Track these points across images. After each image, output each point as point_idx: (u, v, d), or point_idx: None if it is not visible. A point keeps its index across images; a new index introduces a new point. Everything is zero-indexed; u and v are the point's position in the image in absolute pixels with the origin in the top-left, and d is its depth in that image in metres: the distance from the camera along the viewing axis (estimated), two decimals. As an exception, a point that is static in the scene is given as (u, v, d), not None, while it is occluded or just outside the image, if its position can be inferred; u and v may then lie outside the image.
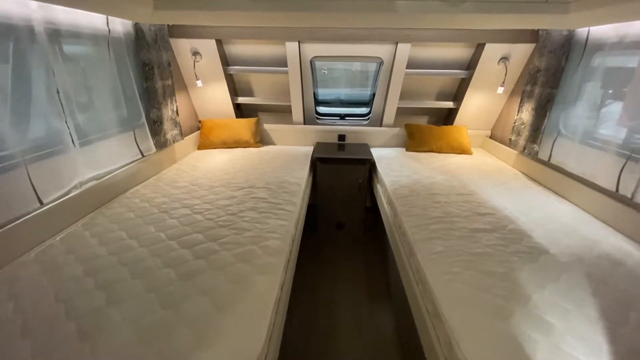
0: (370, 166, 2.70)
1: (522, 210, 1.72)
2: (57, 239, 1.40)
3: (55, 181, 1.46)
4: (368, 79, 3.11)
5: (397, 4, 1.60)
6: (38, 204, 1.37)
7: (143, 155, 2.07)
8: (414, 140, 2.89)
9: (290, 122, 3.11)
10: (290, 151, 2.88)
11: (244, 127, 2.92)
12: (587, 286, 1.14)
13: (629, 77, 1.62)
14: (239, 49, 2.74)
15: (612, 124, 1.69)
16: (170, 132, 2.35)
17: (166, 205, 1.72)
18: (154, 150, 2.17)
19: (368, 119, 3.16)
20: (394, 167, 2.45)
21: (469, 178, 2.19)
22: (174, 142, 2.40)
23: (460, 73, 2.73)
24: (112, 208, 1.69)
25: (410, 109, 3.11)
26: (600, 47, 1.76)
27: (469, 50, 2.65)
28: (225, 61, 2.77)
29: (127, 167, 1.94)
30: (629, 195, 1.53)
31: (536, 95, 2.18)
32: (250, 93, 3.07)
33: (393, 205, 1.89)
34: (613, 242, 1.45)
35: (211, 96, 2.88)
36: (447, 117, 3.17)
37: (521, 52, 2.45)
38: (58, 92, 1.42)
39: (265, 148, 2.96)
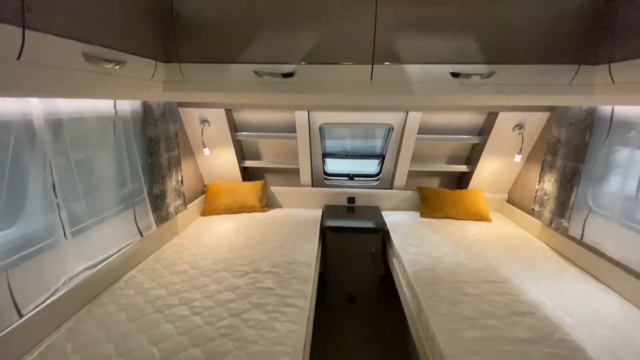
0: (383, 235, 2.53)
1: (564, 306, 1.51)
2: (35, 354, 1.20)
3: (39, 284, 1.30)
4: (374, 132, 3.04)
5: (414, 87, 1.54)
6: (17, 317, 1.20)
7: (142, 235, 1.93)
8: (428, 206, 2.74)
9: (298, 184, 3.02)
10: (298, 216, 2.74)
11: (250, 191, 2.81)
12: None
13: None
14: (247, 115, 2.73)
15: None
16: (173, 204, 2.23)
17: (162, 301, 1.54)
18: (154, 227, 2.03)
19: (378, 180, 3.06)
20: (411, 239, 2.28)
21: (494, 256, 2.01)
22: (176, 213, 2.28)
23: (473, 138, 2.67)
24: (103, 305, 1.51)
25: (423, 172, 3.01)
26: (630, 126, 1.67)
27: (480, 116, 2.62)
28: (234, 127, 2.75)
29: (123, 249, 1.79)
30: (690, 296, 1.33)
31: (558, 167, 2.07)
32: (257, 156, 3.01)
33: (416, 295, 1.69)
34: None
35: (218, 161, 2.82)
36: (460, 179, 3.06)
37: (536, 120, 2.39)
38: (54, 186, 1.32)
39: (271, 213, 2.82)
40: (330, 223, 2.53)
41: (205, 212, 2.72)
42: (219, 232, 2.38)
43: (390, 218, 2.71)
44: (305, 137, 2.60)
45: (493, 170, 2.77)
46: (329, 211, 2.83)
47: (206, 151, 2.63)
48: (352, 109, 2.48)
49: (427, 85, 1.54)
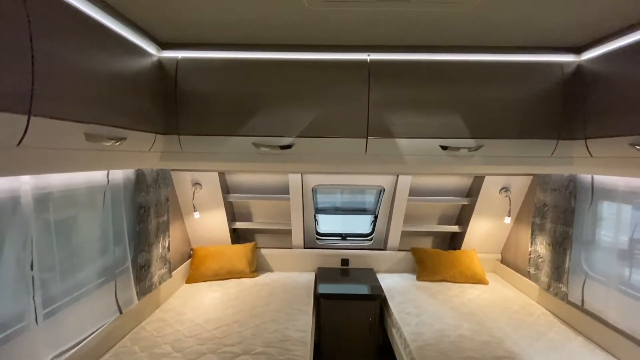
0: (381, 301, 2.42)
1: (580, 387, 1.42)
2: None
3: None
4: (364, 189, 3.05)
5: (406, 158, 1.61)
6: None
7: (121, 312, 1.76)
8: (424, 268, 2.68)
9: (290, 245, 2.94)
10: (290, 282, 2.61)
11: (239, 254, 2.70)
12: None
13: (651, 226, 1.57)
14: (240, 178, 2.74)
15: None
16: (157, 273, 2.09)
17: (139, 395, 1.35)
18: (136, 302, 1.87)
19: (371, 239, 3.02)
20: (410, 307, 2.18)
21: (498, 326, 1.92)
22: (160, 283, 2.13)
23: (462, 200, 2.74)
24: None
25: (416, 232, 3.01)
26: (610, 193, 1.76)
27: (467, 179, 2.72)
28: (226, 189, 2.73)
29: (99, 330, 1.61)
30: None
31: (549, 230, 2.11)
32: (248, 217, 2.96)
33: (422, 377, 1.55)
34: None
35: (207, 223, 2.74)
36: (452, 238, 3.07)
37: (520, 184, 2.51)
38: (32, 266, 1.22)
39: (261, 278, 2.68)
40: (325, 289, 2.41)
41: (191, 279, 2.56)
42: (205, 303, 2.21)
43: (387, 281, 2.62)
44: (298, 198, 2.60)
45: (484, 230, 2.80)
46: (323, 275, 2.72)
47: (196, 214, 2.56)
48: (345, 172, 2.54)
49: (418, 157, 1.61)
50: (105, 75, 1.11)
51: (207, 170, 2.47)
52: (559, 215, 2.02)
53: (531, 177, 2.45)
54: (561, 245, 2.00)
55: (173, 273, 2.36)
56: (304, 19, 1.24)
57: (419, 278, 2.66)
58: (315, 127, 1.56)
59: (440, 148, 1.58)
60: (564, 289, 1.98)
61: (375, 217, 2.95)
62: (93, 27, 1.05)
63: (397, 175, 2.53)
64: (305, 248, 2.94)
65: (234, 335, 1.80)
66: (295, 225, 2.77)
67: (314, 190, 2.78)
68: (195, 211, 2.55)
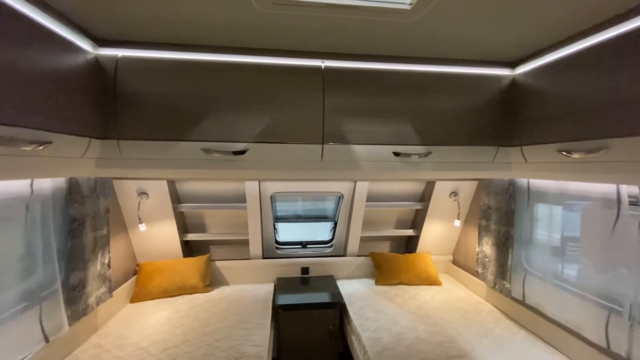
0: (340, 308, 2.40)
1: (524, 378, 1.51)
2: None
3: None
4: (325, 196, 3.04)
5: (361, 164, 1.63)
6: None
7: (47, 340, 1.54)
8: (382, 272, 2.73)
9: (248, 256, 2.82)
10: (247, 295, 2.49)
11: (191, 268, 2.52)
12: None
13: (574, 226, 1.74)
14: (192, 186, 2.59)
15: (583, 271, 1.71)
16: (95, 293, 1.88)
17: None
18: (66, 327, 1.65)
19: (331, 246, 3.01)
20: (369, 312, 2.18)
21: (451, 326, 2.00)
22: (98, 304, 1.91)
23: (416, 204, 2.84)
24: None
25: (374, 237, 3.06)
26: (543, 196, 1.93)
27: (420, 185, 2.84)
28: (177, 199, 2.56)
29: (17, 365, 1.39)
30: (624, 355, 1.43)
31: (493, 231, 2.26)
32: (202, 228, 2.79)
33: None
34: None
35: (155, 236, 2.53)
36: (408, 242, 3.17)
37: (467, 188, 2.68)
38: None
39: (216, 293, 2.53)
40: (284, 300, 2.34)
41: (136, 297, 2.33)
42: (152, 324, 2.02)
43: (346, 288, 2.62)
44: (255, 207, 2.52)
45: (437, 233, 2.93)
46: (282, 285, 2.65)
47: (142, 227, 2.36)
48: (302, 179, 2.52)
49: (373, 163, 1.64)
50: (28, 73, 0.98)
51: (154, 179, 2.29)
52: (502, 217, 2.18)
53: (477, 182, 2.63)
54: (504, 245, 2.15)
55: (115, 292, 2.14)
56: (255, 21, 1.21)
57: (377, 283, 2.70)
58: (270, 133, 1.52)
59: (393, 154, 1.62)
60: (507, 285, 2.12)
61: (335, 224, 2.95)
62: (14, 18, 0.93)
63: (355, 182, 2.57)
64: (264, 258, 2.85)
65: (182, 357, 1.66)
66: (253, 235, 2.67)
67: (273, 198, 2.72)
68: (140, 223, 2.35)
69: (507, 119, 1.65)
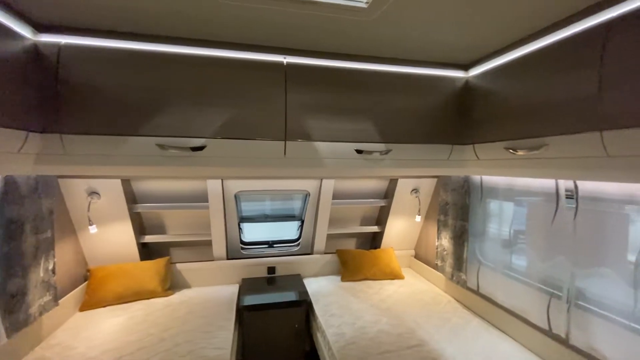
0: (307, 306, 2.40)
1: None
2: None
3: None
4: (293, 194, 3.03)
5: (325, 161, 1.64)
6: None
7: (-22, 356, 1.39)
8: (347, 269, 2.77)
9: (211, 258, 2.73)
10: (210, 297, 2.41)
11: (149, 272, 2.40)
12: None
13: (520, 218, 1.89)
14: (150, 185, 2.45)
15: (528, 260, 1.85)
16: (37, 301, 1.72)
17: None
18: (4, 339, 1.50)
19: (298, 245, 3.00)
20: (334, 309, 2.21)
21: (412, 318, 2.07)
22: (41, 313, 1.75)
23: (380, 201, 2.92)
24: None
25: (340, 234, 3.10)
26: (494, 191, 2.07)
27: (384, 182, 2.92)
28: (132, 199, 2.41)
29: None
30: (563, 336, 1.57)
31: (450, 225, 2.38)
32: (161, 230, 2.66)
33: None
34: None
35: (109, 239, 2.37)
36: (374, 238, 3.24)
37: (427, 185, 2.80)
38: None
39: (176, 296, 2.42)
40: (248, 301, 2.29)
41: (86, 305, 2.17)
42: (103, 332, 1.89)
43: (313, 286, 2.62)
44: (218, 206, 2.44)
45: (400, 229, 3.03)
46: (247, 286, 2.60)
47: (93, 229, 2.19)
48: (268, 177, 2.48)
49: (336, 160, 1.65)
50: None
51: (105, 177, 2.15)
52: (458, 212, 2.30)
53: (436, 179, 2.75)
54: (460, 238, 2.27)
55: (62, 300, 1.98)
56: (215, 13, 1.18)
57: (343, 279, 2.74)
58: (231, 128, 1.49)
59: (355, 152, 1.65)
60: (463, 277, 2.24)
61: (302, 222, 2.95)
62: None
63: (321, 180, 2.58)
64: (228, 259, 2.77)
65: (137, 365, 1.57)
66: (216, 236, 2.59)
67: (237, 198, 2.65)
68: (91, 225, 2.19)
69: (460, 118, 1.74)
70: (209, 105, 1.45)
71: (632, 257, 1.32)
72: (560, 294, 1.59)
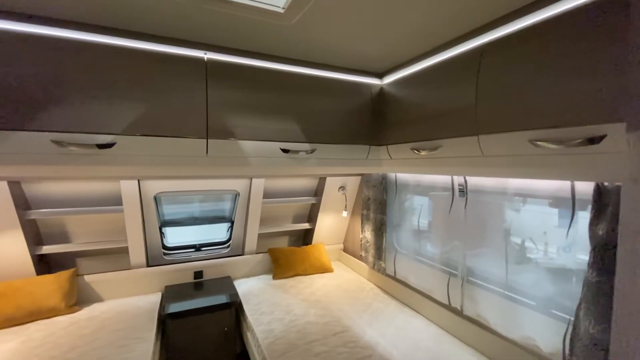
0: (236, 308, 2.36)
1: (392, 341, 1.79)
2: None
3: None
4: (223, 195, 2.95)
5: (250, 160, 1.64)
6: None
7: None
8: (279, 267, 2.80)
9: (128, 266, 2.49)
10: (127, 309, 2.20)
11: (48, 287, 2.08)
12: None
13: (426, 210, 2.17)
14: (48, 188, 2.13)
15: (432, 246, 2.13)
16: None
17: None
18: None
19: (229, 246, 2.92)
20: (264, 307, 2.22)
21: (338, 307, 2.21)
22: None
23: (311, 199, 3.02)
24: None
25: (272, 232, 3.11)
26: (406, 187, 2.32)
27: (314, 180, 3.03)
28: (25, 204, 2.07)
29: None
30: (459, 308, 1.86)
31: (372, 219, 2.60)
32: (64, 238, 2.33)
33: (270, 373, 1.60)
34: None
35: (-8, 252, 2.00)
36: (306, 235, 3.34)
37: (353, 183, 2.99)
38: None
39: (85, 312, 2.15)
40: (172, 309, 2.16)
41: (-40, 334, 1.79)
42: (-14, 362, 1.59)
43: (243, 287, 2.59)
44: (135, 209, 2.24)
45: (329, 225, 3.18)
46: (171, 293, 2.43)
47: (-33, 242, 1.82)
48: (192, 177, 2.37)
49: (261, 159, 1.68)
50: None
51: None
52: (377, 206, 2.52)
53: (360, 177, 2.96)
54: (380, 230, 2.50)
55: None
56: (127, 2, 1.10)
57: (275, 277, 2.76)
58: (147, 125, 1.40)
59: (281, 151, 1.70)
60: (383, 265, 2.47)
61: (232, 223, 2.88)
62: None
63: (251, 179, 2.56)
64: (149, 267, 2.56)
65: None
66: (134, 242, 2.37)
67: (158, 200, 2.47)
68: (-35, 237, 1.81)
69: (376, 121, 1.92)
70: (120, 99, 1.34)
71: (504, 239, 1.63)
72: (456, 273, 1.88)
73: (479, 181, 1.73)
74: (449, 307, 1.94)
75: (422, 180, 2.17)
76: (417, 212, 2.25)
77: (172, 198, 2.73)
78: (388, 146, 1.87)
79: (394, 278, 2.44)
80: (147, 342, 1.80)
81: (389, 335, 1.84)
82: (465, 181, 1.79)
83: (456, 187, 1.87)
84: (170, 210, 2.74)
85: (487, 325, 1.70)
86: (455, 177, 1.88)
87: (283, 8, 1.14)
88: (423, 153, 1.60)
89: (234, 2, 1.09)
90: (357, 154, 1.93)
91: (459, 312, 1.87)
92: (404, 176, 2.35)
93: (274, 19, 1.22)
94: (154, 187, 2.30)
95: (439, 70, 1.51)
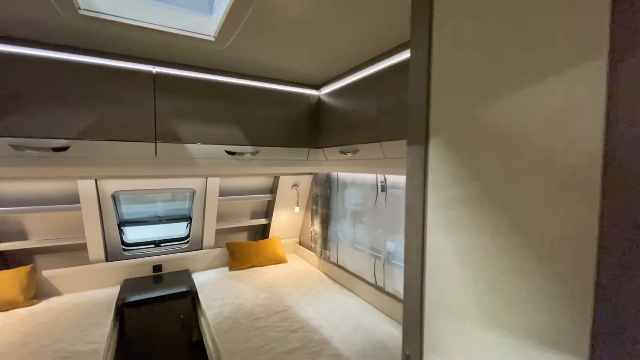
0: (192, 297, 2.56)
1: (325, 316, 2.08)
2: None
3: None
4: (185, 195, 3.11)
5: (198, 161, 1.87)
6: None
7: None
8: (235, 259, 3.03)
9: (87, 262, 2.61)
10: (84, 301, 2.34)
11: (7, 283, 2.19)
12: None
13: (359, 204, 2.49)
14: (6, 187, 2.23)
15: (364, 234, 2.45)
16: None
17: None
18: None
19: (188, 242, 3.10)
20: (218, 294, 2.45)
21: (285, 290, 2.48)
22: None
23: (266, 196, 3.27)
24: None
25: (231, 228, 3.32)
26: (345, 184, 2.64)
27: (269, 179, 3.28)
28: (-22, 203, 2.16)
29: None
30: (382, 286, 2.19)
31: (319, 213, 2.89)
32: (21, 236, 2.42)
33: (215, 344, 1.84)
34: (385, 329, 1.97)
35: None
36: (264, 230, 3.58)
37: (305, 181, 3.27)
38: None
39: (43, 305, 2.27)
40: (129, 298, 2.33)
41: None
42: (-56, 350, 1.71)
43: (200, 278, 2.79)
44: (92, 207, 2.38)
45: (285, 220, 3.44)
46: (129, 286, 2.58)
47: None
48: (148, 176, 2.53)
49: (209, 160, 1.91)
50: None
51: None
52: (323, 202, 2.82)
53: (311, 176, 3.25)
54: (325, 222, 2.80)
55: None
56: (76, 24, 1.28)
57: (231, 269, 2.98)
58: (99, 130, 1.59)
59: (226, 153, 1.93)
60: (328, 253, 2.77)
61: (190, 220, 3.06)
62: None
63: (207, 178, 2.76)
64: (108, 262, 2.69)
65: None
66: (92, 238, 2.50)
67: (116, 198, 2.61)
68: None
69: (314, 127, 2.21)
70: (74, 108, 1.52)
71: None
72: (380, 256, 2.21)
73: (396, 178, 2.07)
74: (375, 286, 2.27)
75: (355, 178, 2.49)
76: (353, 205, 2.57)
77: (137, 198, 2.87)
78: (324, 149, 2.17)
79: (337, 264, 2.75)
80: (104, 327, 1.98)
81: (323, 311, 2.14)
82: (385, 179, 2.13)
83: (379, 184, 2.20)
84: (133, 210, 2.88)
85: (401, 298, 2.04)
86: (378, 175, 2.21)
87: (214, 37, 1.38)
88: (349, 155, 1.90)
89: (168, 32, 1.32)
90: (298, 156, 2.20)
91: (382, 289, 2.20)
92: (343, 175, 2.66)
93: (207, 45, 1.46)
94: (111, 186, 2.44)
95: (356, 85, 1.81)
